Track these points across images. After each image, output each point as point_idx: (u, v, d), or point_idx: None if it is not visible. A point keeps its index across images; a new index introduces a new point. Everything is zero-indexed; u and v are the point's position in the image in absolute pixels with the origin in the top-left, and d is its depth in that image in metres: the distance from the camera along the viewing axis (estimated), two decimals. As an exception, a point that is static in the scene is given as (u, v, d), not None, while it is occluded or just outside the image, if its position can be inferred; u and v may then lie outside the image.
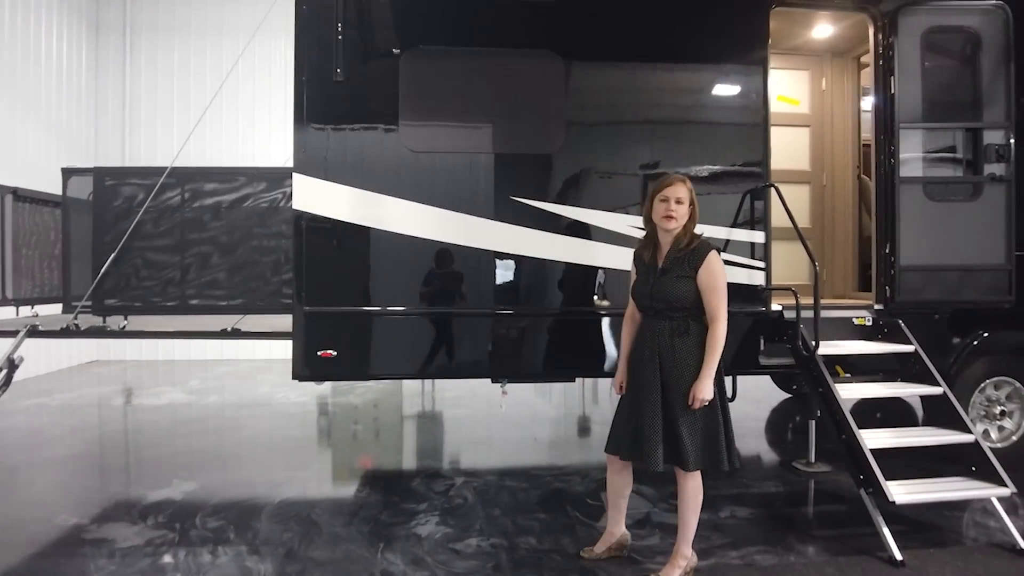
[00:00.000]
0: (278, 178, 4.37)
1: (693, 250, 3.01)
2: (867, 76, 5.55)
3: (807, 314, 4.06)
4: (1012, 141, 4.35)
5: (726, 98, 4.40)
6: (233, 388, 8.18)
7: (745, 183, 4.36)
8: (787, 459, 5.08)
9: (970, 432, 3.72)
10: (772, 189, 4.30)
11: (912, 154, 4.43)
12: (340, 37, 4.11)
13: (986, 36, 4.35)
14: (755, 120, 4.37)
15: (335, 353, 4.15)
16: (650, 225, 3.14)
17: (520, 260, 4.24)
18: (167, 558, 3.36)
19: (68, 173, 4.47)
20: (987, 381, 4.65)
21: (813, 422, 4.81)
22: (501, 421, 6.58)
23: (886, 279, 4.48)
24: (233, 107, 9.72)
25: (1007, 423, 4.70)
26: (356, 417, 6.77)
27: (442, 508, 4.09)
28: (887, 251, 4.46)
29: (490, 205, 4.22)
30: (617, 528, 3.36)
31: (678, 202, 3.02)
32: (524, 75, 4.28)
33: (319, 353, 4.14)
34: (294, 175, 4.11)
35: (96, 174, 4.34)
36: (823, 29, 5.14)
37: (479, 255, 4.20)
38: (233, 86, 9.52)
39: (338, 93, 4.14)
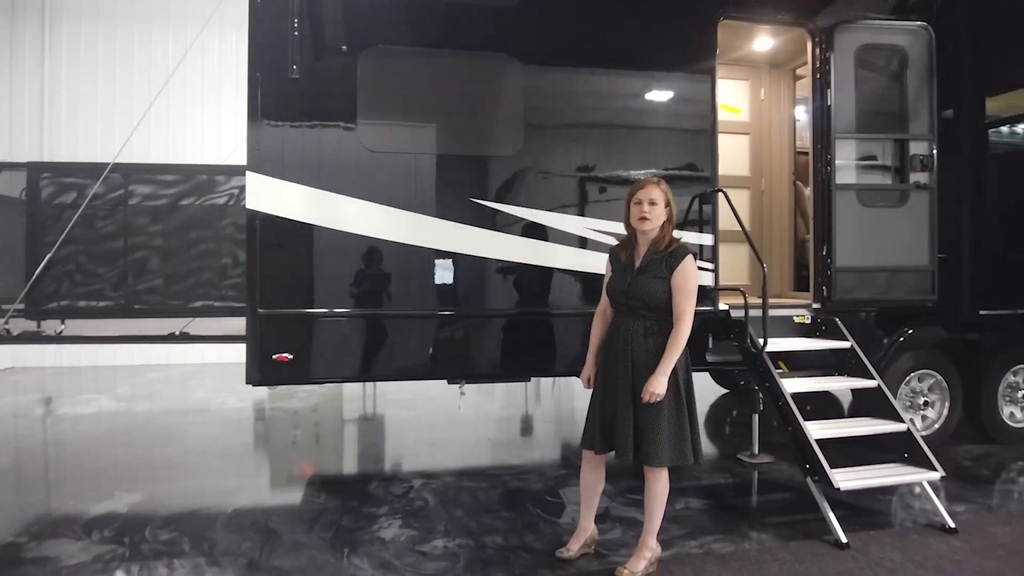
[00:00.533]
0: (229, 176, 4.22)
1: (671, 252, 3.09)
2: (802, 87, 5.93)
3: (753, 312, 4.28)
4: (935, 152, 4.71)
5: (677, 105, 4.57)
6: (167, 394, 7.80)
7: (694, 187, 4.54)
8: (731, 452, 5.31)
9: (902, 422, 4.01)
10: (720, 194, 4.50)
11: (847, 162, 4.73)
12: (296, 33, 4.03)
13: (912, 54, 4.70)
14: (704, 127, 4.56)
15: (291, 357, 4.06)
16: (629, 228, 3.24)
17: (479, 261, 4.26)
18: (119, 574, 3.21)
19: (-4, 168, 4.18)
20: (912, 374, 5.02)
21: (756, 415, 5.05)
22: (451, 423, 6.56)
23: (823, 279, 4.76)
24: (166, 101, 9.26)
25: (929, 412, 5.08)
26: (299, 422, 6.59)
27: (403, 511, 4.06)
28: (824, 253, 4.74)
29: (450, 206, 4.23)
30: (588, 523, 3.42)
31: (651, 203, 3.12)
32: (483, 77, 4.31)
33: (274, 357, 4.03)
34: (248, 173, 3.99)
35: (30, 169, 4.07)
36: (763, 42, 5.40)
37: (438, 256, 4.21)
38: (172, 78, 9.10)
39: (294, 90, 4.05)
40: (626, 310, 3.15)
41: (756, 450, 5.06)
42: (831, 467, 3.68)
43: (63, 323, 4.15)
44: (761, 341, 4.11)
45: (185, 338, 4.23)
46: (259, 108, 4.01)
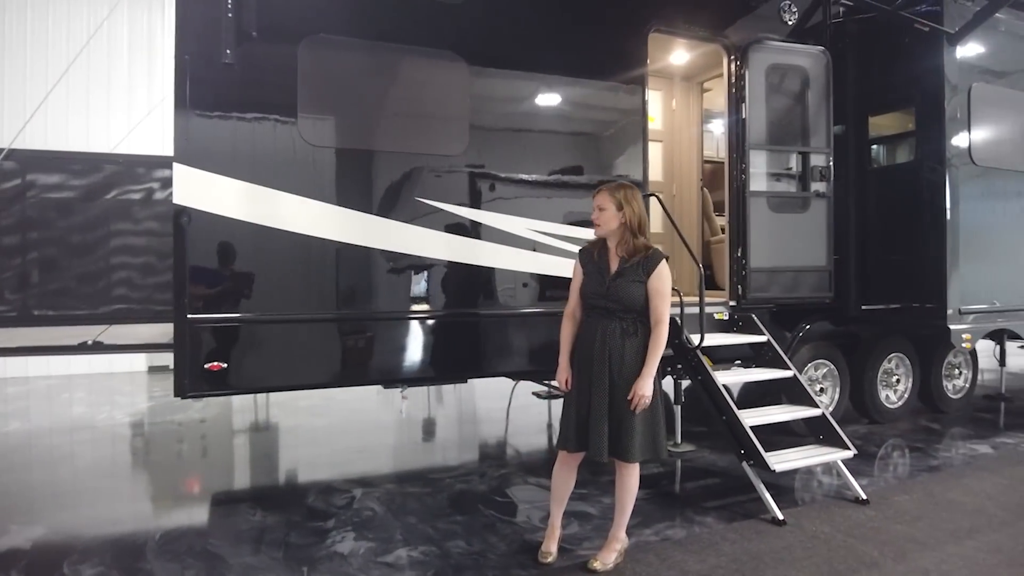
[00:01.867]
0: (149, 167, 3.82)
1: (647, 258, 3.20)
2: (708, 100, 6.36)
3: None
4: (831, 164, 5.25)
5: (611, 112, 4.74)
6: (38, 410, 6.90)
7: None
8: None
9: (818, 407, 4.45)
10: (653, 198, 4.74)
11: (758, 171, 5.15)
12: (230, 14, 3.73)
13: (813, 75, 5.21)
14: (636, 134, 4.77)
15: (225, 365, 3.76)
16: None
17: (423, 261, 4.19)
18: (48, 619, 2.81)
19: None
20: (810, 364, 5.57)
21: (678, 407, 5.36)
22: (369, 428, 6.39)
23: (738, 279, 5.15)
24: (66, 85, 8.19)
25: (823, 398, 5.65)
26: (206, 433, 6.10)
27: (352, 522, 3.89)
28: (739, 255, 5.13)
29: (393, 205, 4.11)
30: (559, 521, 3.46)
31: (600, 209, 3.27)
32: (429, 74, 4.23)
33: (207, 366, 3.72)
34: (175, 165, 3.64)
35: None
36: (680, 56, 5.75)
37: (382, 256, 4.08)
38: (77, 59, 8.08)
39: (227, 77, 3.75)
40: (602, 312, 3.22)
41: (679, 439, 5.37)
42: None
43: (-58, 334, 3.56)
44: (696, 338, 4.38)
45: (99, 348, 3.77)
46: (187, 95, 3.67)
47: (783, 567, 3.29)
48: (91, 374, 8.63)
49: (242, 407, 7.18)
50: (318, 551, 3.51)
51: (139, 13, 8.28)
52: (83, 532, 3.75)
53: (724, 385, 4.28)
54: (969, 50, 5.11)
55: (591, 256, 3.37)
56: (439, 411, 7.16)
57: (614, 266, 3.27)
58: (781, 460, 4.02)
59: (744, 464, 4.09)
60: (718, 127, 6.35)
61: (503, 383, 6.23)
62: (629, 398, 3.11)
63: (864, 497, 4.12)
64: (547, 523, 3.47)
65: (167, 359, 8.50)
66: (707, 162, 6.36)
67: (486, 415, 6.73)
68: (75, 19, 8.71)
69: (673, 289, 4.57)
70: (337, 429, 6.24)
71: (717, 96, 6.47)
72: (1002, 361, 6.63)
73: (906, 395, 6.01)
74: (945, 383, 6.23)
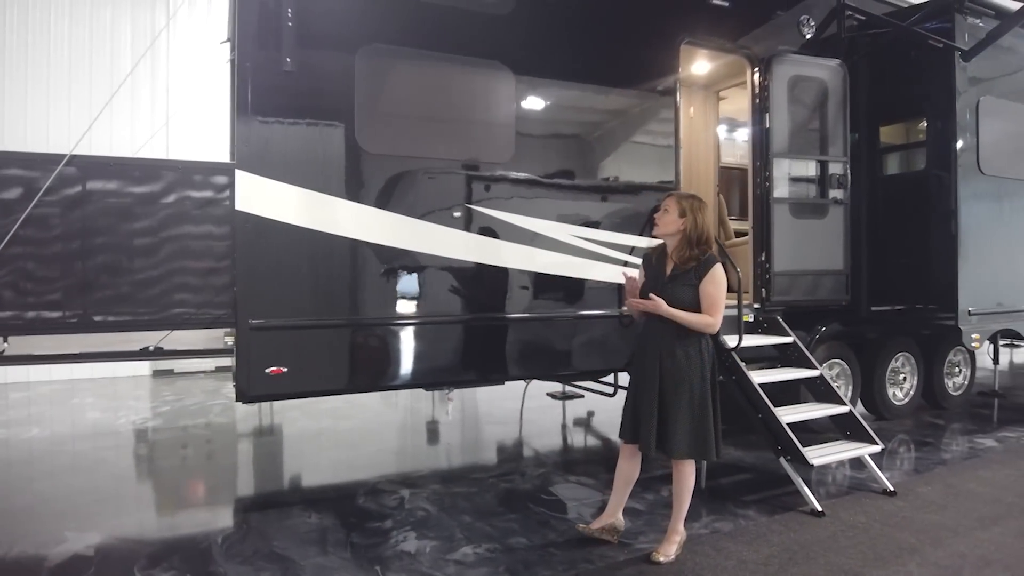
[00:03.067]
0: (204, 173, 3.84)
1: (701, 263, 3.36)
2: (724, 108, 6.57)
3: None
4: (848, 172, 5.50)
5: (647, 121, 4.89)
6: (52, 416, 6.78)
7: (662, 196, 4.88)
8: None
9: (845, 405, 4.67)
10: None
11: (781, 179, 5.36)
12: (290, 23, 3.79)
13: (831, 86, 5.44)
14: (669, 140, 4.93)
15: (285, 370, 3.82)
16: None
17: (475, 267, 4.28)
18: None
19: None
20: (825, 363, 5.80)
21: (704, 406, 5.54)
22: (396, 430, 6.47)
23: (762, 282, 5.35)
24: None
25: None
26: (230, 438, 6.09)
27: (410, 522, 3.97)
28: (763, 259, 5.34)
29: (446, 212, 4.20)
30: (616, 512, 3.63)
31: (664, 211, 3.47)
32: (478, 84, 4.33)
33: (268, 370, 3.76)
34: (237, 172, 3.69)
35: None
36: (702, 65, 5.94)
37: (436, 262, 4.17)
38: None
39: (288, 84, 3.81)
40: (653, 315, 3.38)
41: (704, 437, 5.55)
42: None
43: (6, 340, 3.52)
44: (732, 340, 4.56)
45: (160, 353, 3.78)
46: (249, 102, 3.71)
47: (831, 554, 3.48)
48: (94, 379, 8.50)
49: (259, 412, 7.18)
50: (384, 550, 3.59)
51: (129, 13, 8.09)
52: (142, 537, 3.76)
53: (760, 384, 4.48)
54: (977, 65, 5.40)
55: (651, 260, 3.59)
56: (455, 413, 7.24)
57: (668, 270, 3.45)
58: (817, 455, 4.22)
59: (781, 459, 4.29)
60: (734, 134, 6.58)
61: (513, 385, 6.31)
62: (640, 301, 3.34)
63: (891, 489, 4.35)
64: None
65: (171, 363, 8.49)
66: (724, 168, 6.57)
67: (503, 416, 6.83)
68: (78, 22, 8.57)
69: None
70: (365, 432, 6.29)
71: (731, 104, 6.73)
72: (995, 359, 6.98)
73: (912, 392, 6.31)
74: (946, 381, 6.55)
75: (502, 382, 4.96)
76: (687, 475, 3.46)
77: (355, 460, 5.40)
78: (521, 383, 6.30)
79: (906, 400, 6.29)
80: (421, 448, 5.88)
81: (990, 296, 5.51)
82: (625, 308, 3.70)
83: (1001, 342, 7.11)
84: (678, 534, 3.49)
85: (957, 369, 6.69)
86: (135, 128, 8.77)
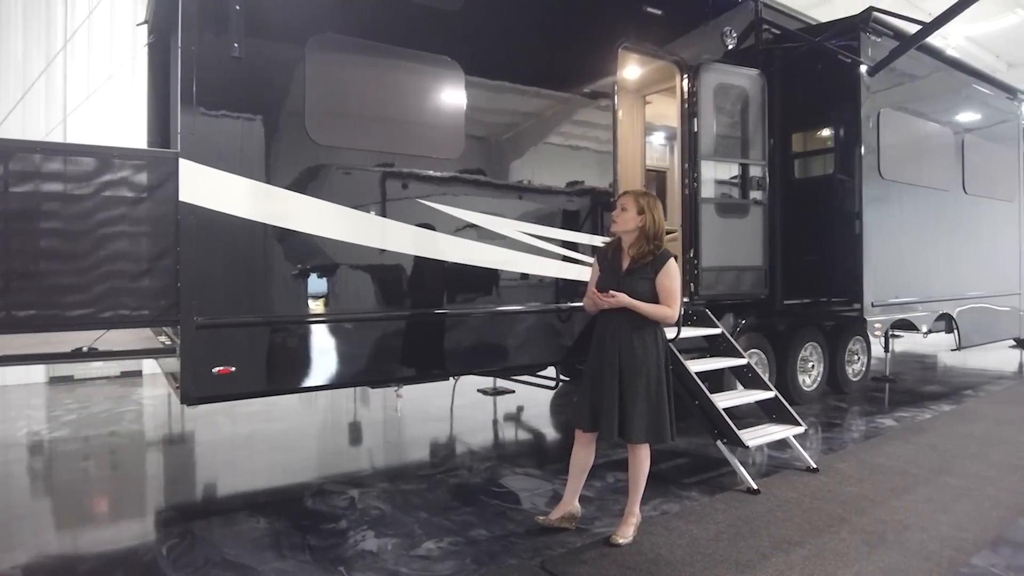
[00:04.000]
0: (143, 161, 3.60)
1: (657, 257, 3.52)
2: (649, 112, 6.87)
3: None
4: (767, 175, 5.91)
5: (585, 124, 5.05)
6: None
7: (596, 198, 5.05)
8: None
9: (771, 390, 5.02)
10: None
11: (707, 180, 5.68)
12: (238, 7, 3.63)
13: (751, 94, 5.83)
14: (607, 146, 5.10)
15: (234, 369, 3.66)
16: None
17: (424, 262, 4.26)
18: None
19: None
20: (746, 353, 6.20)
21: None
22: (330, 431, 6.30)
23: (691, 277, 5.65)
24: None
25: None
26: (154, 444, 5.70)
27: (366, 522, 3.90)
28: (691, 255, 5.64)
29: (395, 206, 4.17)
30: (573, 499, 3.74)
31: (622, 209, 3.59)
32: (428, 78, 4.31)
33: (215, 370, 3.59)
34: (180, 161, 3.51)
35: None
36: (632, 70, 6.19)
37: (386, 256, 4.12)
38: None
39: (236, 71, 3.65)
40: (615, 307, 3.51)
41: (639, 426, 5.79)
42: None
43: (-90, 344, 3.15)
44: (670, 332, 4.78)
45: (95, 354, 3.48)
46: (194, 89, 3.53)
47: (772, 527, 3.75)
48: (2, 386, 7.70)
49: (181, 417, 6.78)
50: (344, 551, 3.51)
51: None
52: (75, 553, 3.49)
53: (696, 373, 4.74)
54: (878, 80, 5.97)
55: (606, 255, 3.72)
56: (365, 414, 7.13)
57: (625, 264, 3.59)
58: (751, 437, 4.52)
59: (719, 443, 4.55)
60: (658, 138, 6.90)
61: (442, 383, 6.28)
62: (602, 295, 3.48)
63: (815, 466, 4.73)
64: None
65: (70, 369, 7.83)
66: (650, 170, 6.87)
67: (436, 413, 6.79)
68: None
69: None
70: (297, 434, 6.08)
71: (654, 108, 7.05)
72: (886, 348, 7.72)
73: (818, 379, 6.87)
74: (847, 368, 7.18)
75: (448, 377, 4.96)
76: (643, 459, 3.62)
77: (293, 463, 5.21)
78: (446, 380, 6.30)
79: (814, 386, 6.84)
80: (358, 448, 5.76)
81: (890, 290, 6.10)
82: (584, 302, 3.74)
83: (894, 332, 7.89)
84: (635, 516, 3.64)
85: (856, 357, 7.35)
86: (26, 112, 8.03)
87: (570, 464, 3.76)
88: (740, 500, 4.19)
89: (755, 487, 4.30)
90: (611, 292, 3.45)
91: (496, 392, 7.52)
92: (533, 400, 7.31)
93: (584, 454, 3.72)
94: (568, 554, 3.45)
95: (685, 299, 5.65)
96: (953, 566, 3.30)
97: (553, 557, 3.40)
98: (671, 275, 3.51)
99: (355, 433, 6.27)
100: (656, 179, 8.05)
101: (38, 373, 8.08)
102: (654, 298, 3.49)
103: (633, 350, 3.47)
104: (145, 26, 5.80)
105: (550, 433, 6.28)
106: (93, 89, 8.11)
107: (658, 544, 3.54)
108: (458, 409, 6.84)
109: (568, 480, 3.77)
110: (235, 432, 6.06)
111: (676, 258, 3.65)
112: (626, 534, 3.55)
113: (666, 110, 7.11)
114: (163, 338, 4.20)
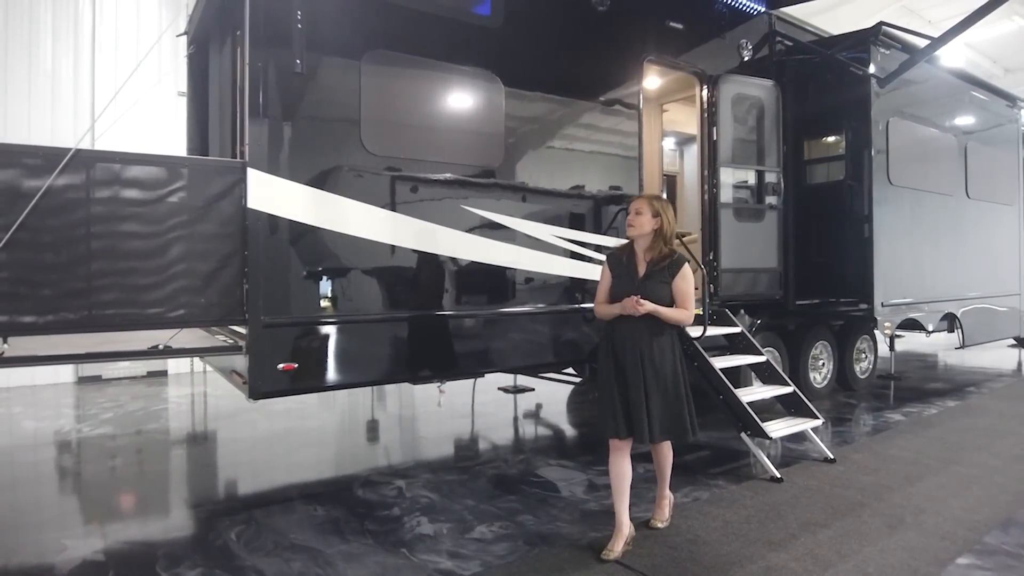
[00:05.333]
0: (213, 171, 3.83)
1: (673, 261, 3.52)
2: (666, 120, 7.14)
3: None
4: (782, 181, 6.19)
5: (613, 132, 5.32)
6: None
7: (624, 204, 5.32)
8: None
9: (790, 385, 5.30)
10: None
11: (726, 185, 5.96)
12: (300, 25, 3.88)
13: (767, 104, 6.11)
14: (633, 153, 5.37)
15: (296, 365, 3.90)
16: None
17: (470, 264, 4.51)
18: None
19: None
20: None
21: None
22: (362, 427, 6.53)
23: (711, 279, 5.93)
24: None
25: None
26: (200, 440, 5.93)
27: (417, 509, 4.14)
28: (711, 258, 5.92)
29: (443, 212, 4.41)
30: (626, 518, 3.54)
31: (637, 213, 3.55)
32: (471, 91, 4.56)
33: (279, 367, 3.84)
34: (248, 170, 3.74)
35: None
36: (653, 81, 6.46)
37: (436, 260, 4.37)
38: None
39: (298, 86, 3.90)
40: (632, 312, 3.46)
41: (661, 421, 6.05)
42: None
43: (5, 341, 3.35)
44: (694, 331, 5.06)
45: (169, 352, 3.71)
46: (261, 102, 3.77)
47: (798, 512, 4.02)
48: (11, 387, 7.87)
49: (223, 414, 7.01)
50: (403, 535, 3.75)
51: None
52: (154, 539, 3.72)
53: (720, 369, 5.00)
54: (888, 90, 6.26)
55: (619, 260, 3.64)
56: (382, 413, 7.38)
57: (642, 269, 3.55)
58: (774, 429, 4.80)
59: (743, 435, 4.82)
60: (668, 144, 7.17)
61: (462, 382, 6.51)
62: (627, 302, 3.40)
63: (831, 457, 5.00)
64: (614, 516, 3.53)
65: (98, 369, 8.04)
66: (667, 175, 7.15)
67: (459, 411, 7.04)
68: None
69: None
70: (331, 430, 6.32)
71: (669, 115, 7.33)
72: (891, 346, 8.01)
73: (828, 376, 7.15)
74: (855, 366, 7.47)
75: (497, 372, 5.20)
76: (666, 453, 3.77)
77: (334, 456, 5.46)
78: (495, 376, 6.55)
79: (824, 383, 7.12)
80: (394, 443, 5.99)
81: (898, 290, 6.40)
82: (597, 308, 3.68)
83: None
84: (666, 498, 3.86)
85: (863, 355, 7.64)
86: (56, 119, 8.25)
87: (612, 479, 3.56)
88: (765, 488, 4.46)
89: (778, 476, 4.57)
90: (638, 299, 3.38)
91: (517, 390, 7.77)
92: (552, 397, 7.57)
93: (624, 463, 3.56)
94: (611, 537, 3.70)
95: (705, 300, 5.93)
96: (968, 544, 3.57)
97: (597, 539, 3.65)
98: (687, 278, 3.52)
99: (386, 429, 6.51)
100: (667, 183, 8.33)
101: (67, 373, 8.28)
102: (671, 301, 3.51)
103: (654, 355, 3.47)
104: (184, 37, 6.05)
105: (574, 428, 6.54)
106: (134, 98, 8.33)
107: (694, 527, 3.80)
108: (481, 406, 7.09)
109: (615, 498, 3.55)
110: (271, 429, 6.29)
111: (688, 261, 3.63)
112: (663, 517, 3.80)
113: (677, 117, 7.42)
114: (220, 337, 4.43)
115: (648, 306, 3.39)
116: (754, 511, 4.04)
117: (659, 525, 3.76)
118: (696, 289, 4.91)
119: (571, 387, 8.34)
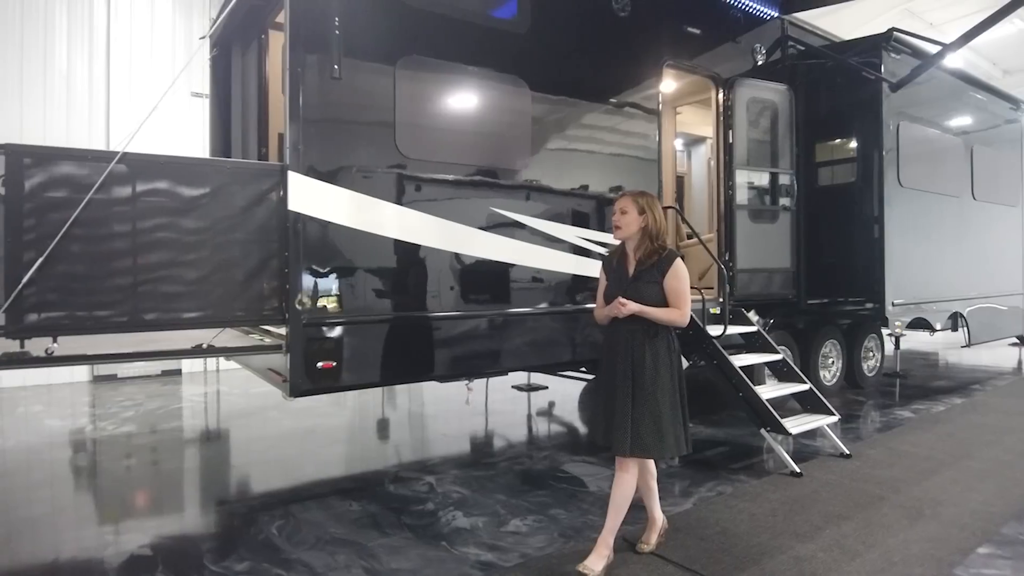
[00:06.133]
0: (254, 174, 3.92)
1: (662, 259, 3.29)
2: (680, 122, 7.26)
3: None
4: (795, 183, 6.32)
5: (634, 135, 5.44)
6: (7, 426, 6.33)
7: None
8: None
9: (806, 383, 5.43)
10: (671, 210, 5.50)
11: (741, 187, 6.09)
12: (337, 31, 3.97)
13: (780, 107, 6.24)
14: (653, 155, 5.50)
15: (335, 364, 4.00)
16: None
17: (499, 264, 4.62)
18: None
19: (-42, 150, 3.24)
20: (773, 350, 6.62)
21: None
22: (383, 424, 6.62)
23: (727, 279, 6.04)
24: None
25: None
26: (218, 439, 6.01)
27: (451, 504, 4.25)
28: (727, 258, 6.04)
29: (474, 214, 4.51)
30: (657, 512, 3.57)
31: (622, 213, 3.36)
32: (499, 95, 4.66)
33: (319, 365, 3.93)
34: (289, 174, 3.83)
35: (9, 153, 3.29)
36: (669, 84, 6.58)
37: (469, 260, 4.48)
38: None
39: (336, 91, 3.99)
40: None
41: (677, 418, 6.18)
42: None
43: (55, 341, 3.43)
44: (714, 329, 5.18)
45: (213, 351, 3.79)
46: (301, 106, 3.86)
47: (820, 504, 4.15)
48: (26, 387, 7.92)
49: (243, 412, 7.08)
50: (440, 528, 3.86)
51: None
52: (197, 533, 3.82)
53: (740, 367, 5.12)
54: (898, 95, 6.41)
55: (611, 263, 3.51)
56: (392, 412, 7.48)
57: (631, 270, 3.37)
58: (793, 425, 4.92)
59: (763, 431, 4.95)
60: (676, 145, 7.29)
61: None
62: (614, 305, 3.24)
63: (847, 452, 5.14)
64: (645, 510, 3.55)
65: (113, 368, 8.09)
66: (680, 177, 7.27)
67: (474, 409, 7.14)
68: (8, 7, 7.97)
69: (706, 287, 5.43)
70: (353, 428, 6.41)
71: (683, 118, 7.45)
72: (897, 345, 8.17)
73: (838, 374, 7.30)
74: (863, 364, 7.61)
75: (526, 370, 5.29)
76: (648, 468, 3.49)
77: (359, 453, 5.56)
78: (524, 373, 6.66)
79: (833, 381, 7.27)
80: (416, 440, 6.09)
81: (908, 290, 6.55)
82: (595, 313, 3.51)
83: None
84: (658, 521, 3.57)
85: (871, 354, 7.79)
86: (71, 119, 8.30)
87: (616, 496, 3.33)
88: (786, 482, 4.58)
89: (798, 470, 4.70)
90: (620, 300, 3.22)
91: (530, 388, 7.88)
92: (565, 395, 7.69)
93: (630, 483, 3.33)
94: (645, 528, 3.81)
95: (721, 299, 6.05)
96: (987, 535, 3.71)
97: (631, 531, 3.76)
98: (679, 275, 3.28)
99: (404, 427, 6.60)
100: (676, 183, 8.47)
101: (82, 372, 8.34)
102: (664, 301, 3.27)
103: (646, 361, 3.25)
104: (207, 40, 6.13)
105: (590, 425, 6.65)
106: (153, 100, 8.38)
107: (723, 519, 3.92)
108: (496, 404, 7.19)
109: (643, 497, 3.53)
110: (294, 427, 6.37)
111: (683, 258, 3.41)
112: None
113: (686, 119, 7.55)
114: (253, 336, 4.52)
115: (632, 307, 3.21)
116: (778, 504, 4.16)
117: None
118: (708, 289, 5.05)
119: (583, 384, 8.49)
